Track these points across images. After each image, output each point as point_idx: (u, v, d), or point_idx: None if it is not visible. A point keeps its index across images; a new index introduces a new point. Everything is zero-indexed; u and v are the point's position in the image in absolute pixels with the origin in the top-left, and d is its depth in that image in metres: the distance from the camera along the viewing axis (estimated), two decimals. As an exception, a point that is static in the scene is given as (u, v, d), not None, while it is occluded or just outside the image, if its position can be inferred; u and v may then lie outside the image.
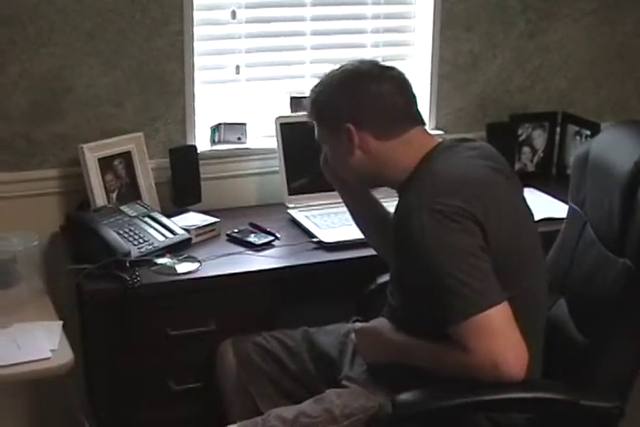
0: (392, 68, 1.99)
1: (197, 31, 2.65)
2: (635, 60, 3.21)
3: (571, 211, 2.16)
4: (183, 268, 2.35)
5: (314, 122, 2.03)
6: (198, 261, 2.38)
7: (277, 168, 2.74)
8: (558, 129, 3.08)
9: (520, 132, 3.03)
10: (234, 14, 2.70)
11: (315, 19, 2.81)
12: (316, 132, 2.04)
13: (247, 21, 2.73)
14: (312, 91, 2.02)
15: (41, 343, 2.08)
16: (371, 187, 2.12)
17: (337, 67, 2.01)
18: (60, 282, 2.45)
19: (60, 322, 2.20)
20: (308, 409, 1.99)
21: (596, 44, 3.14)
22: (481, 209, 1.79)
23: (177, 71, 2.64)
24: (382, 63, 2.01)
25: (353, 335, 2.08)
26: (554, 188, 2.94)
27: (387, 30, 2.90)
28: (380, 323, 2.01)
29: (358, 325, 2.07)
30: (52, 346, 2.08)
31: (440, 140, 1.98)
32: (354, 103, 1.94)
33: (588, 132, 2.95)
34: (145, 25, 2.57)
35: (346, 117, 1.93)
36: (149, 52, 2.60)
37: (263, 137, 2.83)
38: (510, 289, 1.78)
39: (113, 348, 2.30)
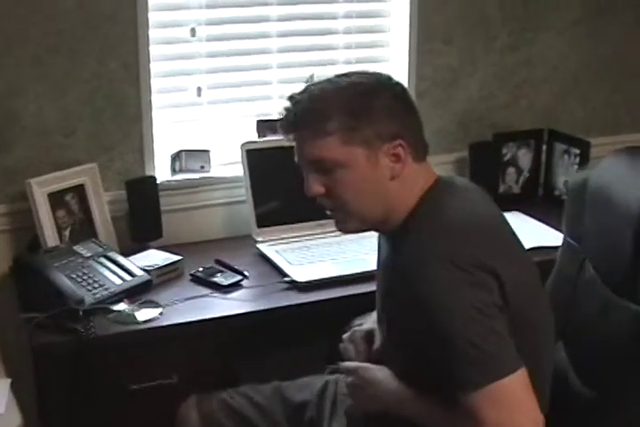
0: (395, 80, 1.73)
1: (154, 51, 2.43)
2: (621, 71, 3.03)
3: (566, 245, 1.98)
4: (143, 315, 2.13)
5: (317, 140, 1.63)
6: (160, 307, 2.17)
7: (242, 198, 2.54)
8: (544, 147, 2.89)
9: (504, 151, 2.84)
10: (193, 32, 2.49)
11: (281, 35, 2.60)
12: (321, 152, 1.63)
13: (208, 39, 2.52)
14: (320, 97, 1.65)
15: (-16, 408, 1.87)
16: (367, 230, 1.80)
17: (339, 74, 1.71)
18: (10, 332, 2.22)
19: (8, 380, 1.97)
20: None
21: (582, 56, 2.96)
22: (498, 260, 1.58)
23: (132, 95, 2.43)
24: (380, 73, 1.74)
25: (341, 376, 1.86)
26: (541, 211, 2.76)
27: (359, 46, 2.70)
28: (380, 368, 1.77)
29: (352, 364, 1.82)
30: (-2, 409, 1.87)
31: (436, 176, 1.73)
32: (399, 114, 1.66)
33: (577, 151, 2.77)
34: (97, 45, 2.36)
35: (394, 131, 1.63)
36: (102, 75, 2.39)
37: (227, 164, 2.62)
38: (526, 352, 1.56)
39: (70, 406, 2.07)
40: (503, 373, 1.51)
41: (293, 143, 1.71)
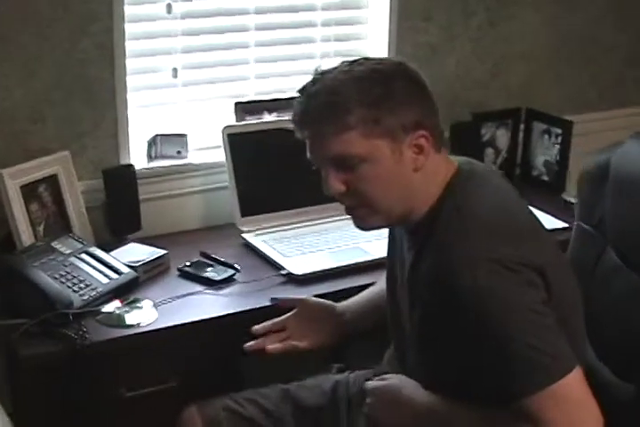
0: (410, 66, 1.63)
1: (127, 29, 2.24)
2: (593, 50, 2.96)
3: (580, 231, 1.90)
4: (137, 317, 1.98)
5: (338, 135, 1.52)
6: (154, 307, 2.01)
7: (222, 184, 2.40)
8: (522, 127, 2.82)
9: (483, 131, 2.75)
10: (169, 8, 2.31)
11: (259, 12, 2.44)
12: (343, 148, 1.52)
13: (183, 17, 2.34)
14: (336, 89, 1.52)
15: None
16: (388, 226, 1.72)
17: (348, 61, 1.58)
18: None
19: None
20: None
21: (558, 33, 2.87)
22: (539, 254, 1.52)
23: (106, 77, 2.24)
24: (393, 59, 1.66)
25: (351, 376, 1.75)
26: (521, 191, 2.67)
27: (338, 22, 2.56)
28: (401, 380, 1.68)
29: (372, 383, 1.72)
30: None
31: (456, 164, 1.63)
32: (419, 101, 1.55)
33: (559, 131, 2.70)
34: (68, 23, 2.16)
35: (416, 120, 1.53)
36: (74, 55, 2.19)
37: (204, 149, 2.46)
38: (575, 347, 1.51)
39: (58, 420, 1.91)
40: (564, 372, 1.44)
41: (305, 140, 1.58)
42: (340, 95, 1.52)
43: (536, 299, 1.48)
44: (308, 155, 1.60)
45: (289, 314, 1.94)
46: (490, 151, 2.78)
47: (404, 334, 1.71)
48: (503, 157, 2.80)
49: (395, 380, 1.70)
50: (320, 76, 1.58)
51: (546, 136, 2.75)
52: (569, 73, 2.95)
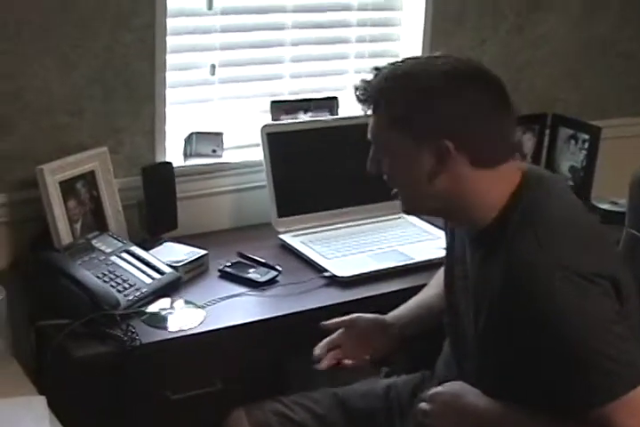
0: (489, 72, 1.56)
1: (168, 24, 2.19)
2: (613, 57, 2.97)
3: (631, 238, 1.90)
4: (183, 318, 1.93)
5: (379, 118, 1.56)
6: (201, 308, 1.97)
7: (257, 184, 2.36)
8: (547, 131, 2.81)
9: (511, 136, 2.74)
10: (210, 4, 2.26)
11: (297, 10, 2.40)
12: (375, 131, 1.58)
13: (223, 13, 2.30)
14: (392, 79, 1.54)
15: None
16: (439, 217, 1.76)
17: (415, 58, 1.61)
18: (21, 342, 1.97)
19: (42, 398, 1.72)
20: None
21: (581, 37, 2.87)
22: (612, 263, 1.52)
23: (146, 72, 2.18)
24: (478, 63, 1.58)
25: (423, 404, 1.71)
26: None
27: (374, 24, 2.53)
28: (462, 387, 1.64)
29: (433, 390, 1.70)
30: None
31: (520, 174, 1.61)
32: (460, 114, 1.51)
33: (586, 137, 2.69)
34: (111, 16, 2.10)
35: (446, 131, 1.50)
36: (115, 48, 2.13)
37: (240, 148, 2.41)
38: None
39: (104, 423, 1.85)
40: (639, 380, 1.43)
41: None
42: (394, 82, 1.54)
43: (612, 308, 1.47)
44: None
45: (339, 332, 1.90)
46: (516, 156, 2.75)
47: (465, 339, 1.69)
48: (529, 161, 2.79)
49: (455, 386, 1.67)
50: (400, 61, 1.60)
51: (572, 141, 2.74)
52: (590, 77, 2.94)
